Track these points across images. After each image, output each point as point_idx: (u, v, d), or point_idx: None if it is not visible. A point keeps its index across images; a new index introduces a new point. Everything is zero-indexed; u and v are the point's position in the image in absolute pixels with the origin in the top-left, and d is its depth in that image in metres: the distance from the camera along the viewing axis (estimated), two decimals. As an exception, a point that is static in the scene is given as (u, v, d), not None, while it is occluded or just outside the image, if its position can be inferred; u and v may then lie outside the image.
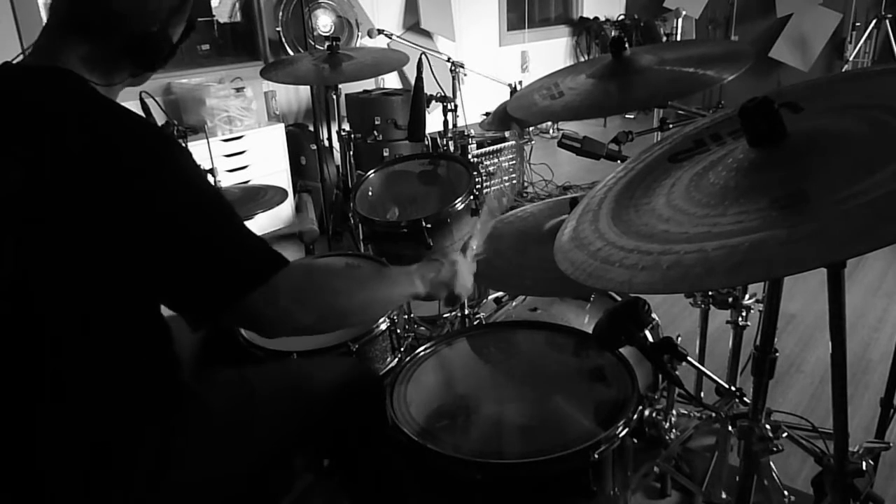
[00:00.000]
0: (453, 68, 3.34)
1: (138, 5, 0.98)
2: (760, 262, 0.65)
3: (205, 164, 2.17)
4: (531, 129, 4.61)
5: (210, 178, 2.29)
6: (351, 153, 2.90)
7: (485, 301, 2.23)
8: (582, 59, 6.38)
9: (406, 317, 1.80)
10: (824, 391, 2.21)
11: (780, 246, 0.65)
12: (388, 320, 1.61)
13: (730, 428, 1.59)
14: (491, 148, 3.91)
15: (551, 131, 5.71)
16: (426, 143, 3.06)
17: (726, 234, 0.70)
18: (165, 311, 1.01)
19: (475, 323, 2.05)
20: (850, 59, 5.05)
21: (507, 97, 3.06)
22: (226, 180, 3.35)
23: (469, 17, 5.31)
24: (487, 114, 3.13)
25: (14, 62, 1.02)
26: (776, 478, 1.54)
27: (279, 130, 3.73)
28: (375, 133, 3.69)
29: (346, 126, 3.02)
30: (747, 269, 0.64)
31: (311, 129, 3.65)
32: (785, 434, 1.16)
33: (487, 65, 5.11)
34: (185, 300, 0.96)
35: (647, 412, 1.31)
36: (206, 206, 0.96)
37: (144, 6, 0.99)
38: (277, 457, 1.21)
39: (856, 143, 0.75)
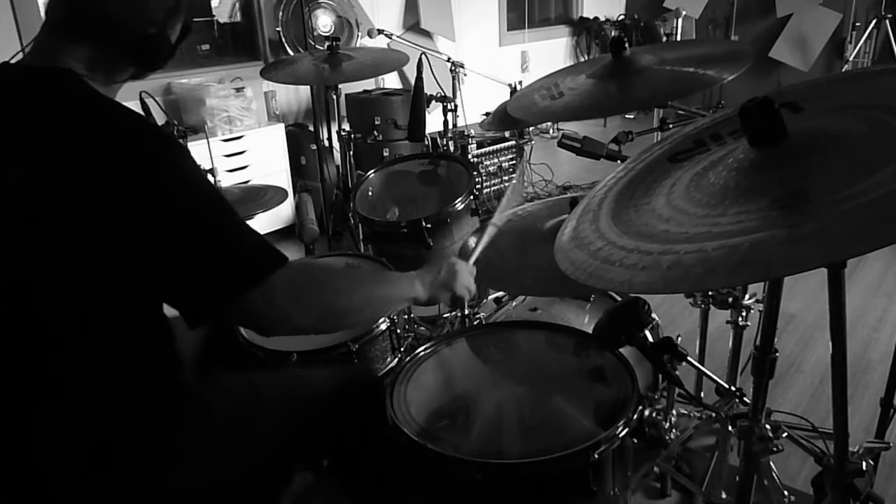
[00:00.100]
0: (453, 68, 3.34)
1: (134, 9, 0.99)
2: (760, 262, 0.64)
3: (205, 164, 2.17)
4: (531, 129, 4.60)
5: (210, 178, 2.29)
6: (351, 153, 2.90)
7: (485, 301, 2.23)
8: (582, 59, 6.38)
9: (406, 317, 1.80)
10: (824, 391, 2.21)
11: (780, 246, 0.65)
12: (388, 320, 1.61)
13: (730, 428, 1.59)
14: (491, 148, 3.92)
15: (551, 131, 5.71)
16: (426, 143, 3.06)
17: (726, 234, 0.70)
18: (167, 311, 1.01)
19: (475, 323, 2.05)
20: (850, 59, 5.04)
21: (507, 97, 3.05)
22: (226, 180, 3.34)
23: (469, 17, 5.31)
24: (487, 114, 3.13)
25: (13, 61, 1.02)
26: (776, 478, 1.54)
27: (279, 130, 3.72)
28: (375, 133, 3.69)
29: (346, 126, 3.02)
30: (747, 269, 0.64)
31: (311, 129, 3.65)
32: (785, 434, 1.16)
33: (487, 65, 5.11)
34: (185, 298, 0.97)
35: (647, 412, 1.31)
36: (206, 206, 0.96)
37: (140, 9, 0.99)
38: (277, 457, 1.21)
39: (856, 143, 0.75)
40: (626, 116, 5.92)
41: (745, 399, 1.30)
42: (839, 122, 0.81)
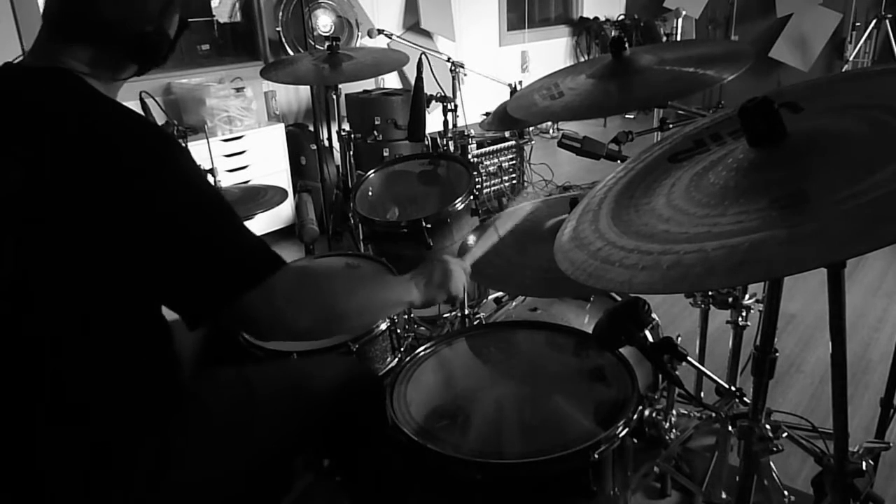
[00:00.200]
0: (453, 68, 3.34)
1: (130, 9, 0.99)
2: (760, 262, 0.64)
3: (205, 164, 2.17)
4: (531, 129, 4.60)
5: (210, 178, 2.29)
6: (351, 153, 2.91)
7: (485, 301, 2.23)
8: (582, 59, 6.38)
9: (406, 317, 1.80)
10: (824, 391, 2.21)
11: (780, 246, 0.65)
12: (388, 320, 1.61)
13: (730, 428, 1.59)
14: (491, 148, 3.92)
15: (551, 131, 5.71)
16: (426, 143, 3.06)
17: (726, 234, 0.70)
18: (167, 312, 1.01)
19: (475, 323, 2.05)
20: (850, 59, 5.05)
21: (507, 97, 3.06)
22: (226, 180, 3.34)
23: (469, 17, 5.31)
24: (487, 114, 3.13)
25: (15, 62, 1.02)
26: (776, 478, 1.54)
27: (279, 130, 3.72)
28: (375, 133, 3.69)
29: (346, 126, 3.02)
30: (747, 269, 0.64)
31: (311, 129, 3.65)
32: (785, 434, 1.16)
33: (487, 65, 5.11)
34: (184, 299, 0.96)
35: (647, 412, 1.31)
36: (206, 206, 0.96)
37: (136, 9, 1.00)
38: (277, 457, 1.21)
39: (856, 143, 0.75)
40: (626, 116, 5.92)
41: (745, 399, 1.30)
42: (839, 122, 0.81)
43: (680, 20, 5.02)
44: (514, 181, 4.12)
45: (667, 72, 1.49)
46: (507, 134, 3.99)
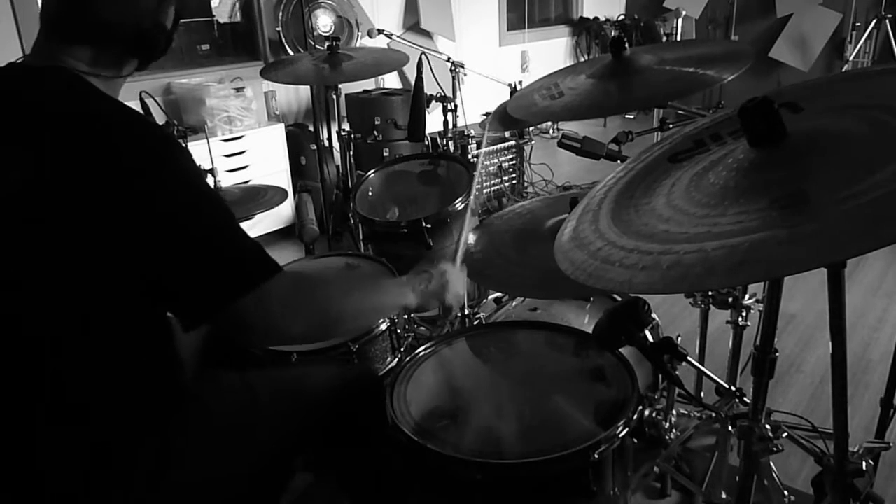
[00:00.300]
0: (453, 68, 3.34)
1: (125, 7, 0.99)
2: (760, 262, 0.64)
3: (205, 164, 2.17)
4: (531, 129, 4.60)
5: (210, 179, 2.29)
6: (351, 153, 2.91)
7: (485, 301, 2.23)
8: (582, 59, 6.38)
9: (406, 317, 1.80)
10: (824, 391, 2.21)
11: (780, 246, 0.65)
12: (388, 320, 1.61)
13: (730, 428, 1.59)
14: (491, 148, 3.91)
15: (551, 131, 5.71)
16: (426, 143, 3.06)
17: (726, 234, 0.70)
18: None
19: (475, 323, 2.05)
20: (850, 59, 5.05)
21: (507, 97, 3.06)
22: (226, 180, 3.34)
23: (469, 17, 5.31)
24: (487, 114, 3.13)
25: (17, 62, 1.02)
26: (776, 478, 1.54)
27: (279, 130, 3.72)
28: (375, 133, 3.69)
29: (346, 126, 3.02)
30: (747, 269, 0.64)
31: (311, 129, 3.65)
32: (785, 434, 1.16)
33: (487, 65, 5.11)
34: (181, 300, 0.96)
35: (647, 412, 1.31)
36: (206, 207, 0.96)
37: (131, 6, 1.00)
38: (277, 457, 1.21)
39: (856, 143, 0.75)
40: (626, 116, 5.92)
41: (745, 399, 1.30)
42: (839, 122, 0.81)
43: (680, 20, 5.02)
44: (514, 181, 4.12)
45: (667, 72, 1.49)
46: (507, 134, 3.99)
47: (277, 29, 4.01)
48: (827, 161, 0.75)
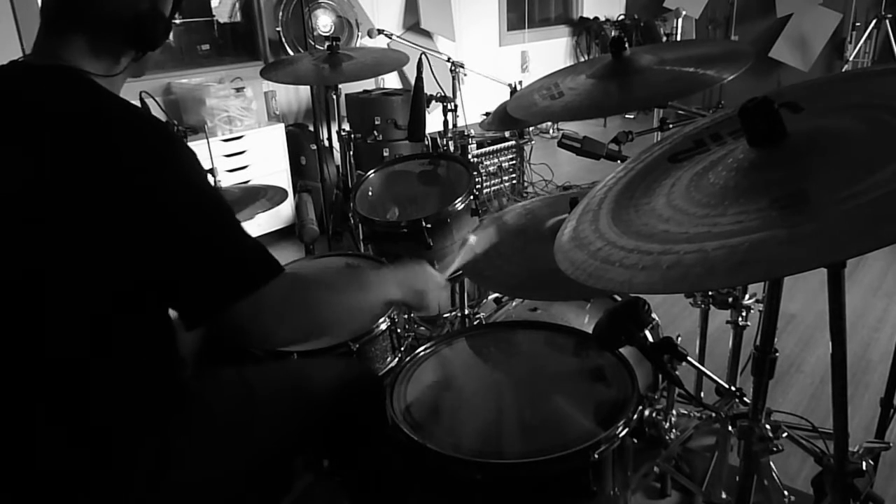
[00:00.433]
0: (453, 68, 3.34)
1: None
2: (760, 262, 0.64)
3: (205, 164, 2.17)
4: (531, 129, 4.60)
5: (210, 178, 2.29)
6: (351, 153, 2.90)
7: (485, 301, 2.23)
8: (582, 59, 6.38)
9: (406, 317, 1.80)
10: (824, 391, 2.21)
11: (780, 246, 0.65)
12: (388, 320, 1.61)
13: (730, 428, 1.59)
14: (491, 148, 3.91)
15: (551, 131, 5.71)
16: (426, 143, 3.06)
17: (726, 234, 0.70)
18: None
19: (475, 323, 2.05)
20: (850, 59, 5.05)
21: (507, 97, 3.06)
22: (226, 180, 3.35)
23: (469, 17, 5.31)
24: (487, 114, 3.13)
25: (18, 61, 1.02)
26: (776, 478, 1.54)
27: (279, 130, 3.72)
28: (375, 133, 3.69)
29: (346, 126, 3.02)
30: (747, 269, 0.64)
31: (311, 129, 3.65)
32: (785, 434, 1.16)
33: (487, 65, 5.11)
34: (183, 299, 0.96)
35: (647, 412, 1.31)
36: (207, 206, 0.96)
37: None
38: (277, 457, 1.21)
39: (856, 143, 0.75)
40: (626, 116, 5.92)
41: (745, 399, 1.30)
42: (839, 122, 0.81)
43: (680, 20, 5.02)
44: (514, 181, 4.12)
45: (667, 72, 1.49)
46: (507, 134, 3.99)
47: (277, 29, 4.01)
48: (827, 161, 0.75)
